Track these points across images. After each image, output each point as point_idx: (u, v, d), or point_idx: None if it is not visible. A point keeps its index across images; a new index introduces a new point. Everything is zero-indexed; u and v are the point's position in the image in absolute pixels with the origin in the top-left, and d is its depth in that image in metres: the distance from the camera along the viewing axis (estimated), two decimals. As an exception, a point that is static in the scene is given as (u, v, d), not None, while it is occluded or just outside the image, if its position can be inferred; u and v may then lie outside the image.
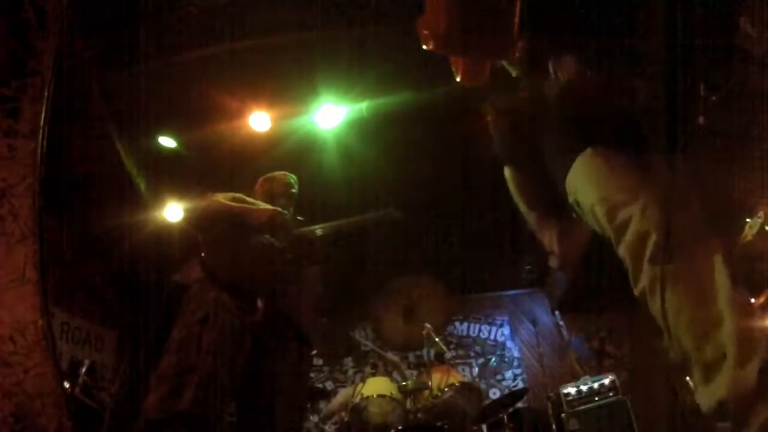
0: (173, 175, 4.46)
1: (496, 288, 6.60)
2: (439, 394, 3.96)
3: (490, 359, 6.22)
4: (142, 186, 4.53)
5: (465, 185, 4.73)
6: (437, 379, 4.11)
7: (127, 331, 5.35)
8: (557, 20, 1.27)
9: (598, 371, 5.01)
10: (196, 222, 2.58)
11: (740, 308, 0.90)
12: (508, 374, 6.17)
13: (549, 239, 1.45)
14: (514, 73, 1.33)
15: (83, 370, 3.84)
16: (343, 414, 4.20)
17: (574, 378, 4.57)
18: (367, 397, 3.96)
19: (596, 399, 4.04)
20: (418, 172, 4.64)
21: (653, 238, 1.01)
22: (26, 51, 1.02)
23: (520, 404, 4.30)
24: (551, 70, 1.30)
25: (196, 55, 3.54)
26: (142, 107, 3.75)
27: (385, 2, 3.26)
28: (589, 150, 1.20)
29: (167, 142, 4.29)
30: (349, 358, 6.34)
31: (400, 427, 3.51)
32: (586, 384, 4.16)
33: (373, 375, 4.61)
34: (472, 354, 6.33)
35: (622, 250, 1.09)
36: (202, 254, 2.47)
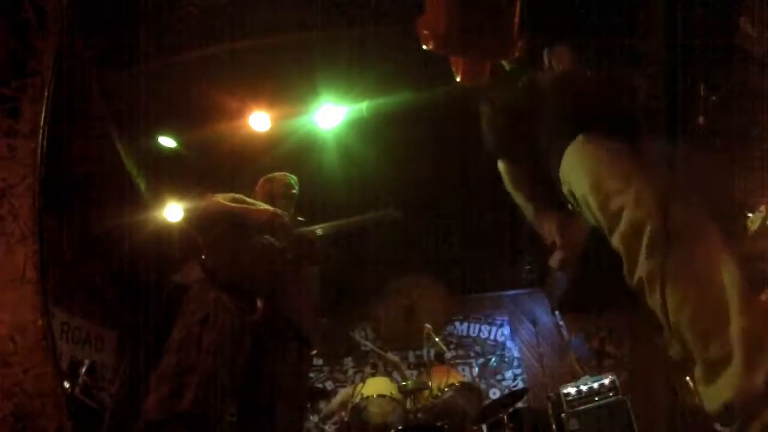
0: (173, 175, 4.46)
1: (496, 288, 6.60)
2: (439, 394, 3.96)
3: (490, 359, 6.22)
4: (142, 186, 4.53)
5: (465, 185, 4.73)
6: (437, 379, 4.11)
7: (127, 331, 5.35)
8: (557, 20, 1.27)
9: (598, 371, 5.01)
10: (196, 222, 2.58)
11: (751, 308, 0.87)
12: (508, 374, 6.17)
13: (549, 231, 1.42)
14: (507, 66, 1.32)
15: (83, 370, 3.84)
16: (343, 414, 4.20)
17: (574, 378, 4.57)
18: (367, 397, 3.96)
19: (596, 399, 4.04)
20: (418, 172, 4.64)
21: (648, 228, 0.98)
22: (26, 51, 1.02)
23: (520, 404, 4.30)
24: (546, 60, 1.28)
25: (196, 55, 3.54)
26: (142, 107, 3.75)
27: (385, 2, 3.26)
28: (580, 137, 1.17)
29: (167, 142, 4.29)
30: (349, 358, 6.34)
31: (400, 427, 3.51)
32: (586, 384, 4.16)
33: (373, 375, 4.61)
34: (472, 354, 6.33)
35: (616, 241, 1.06)
36: (202, 255, 2.47)
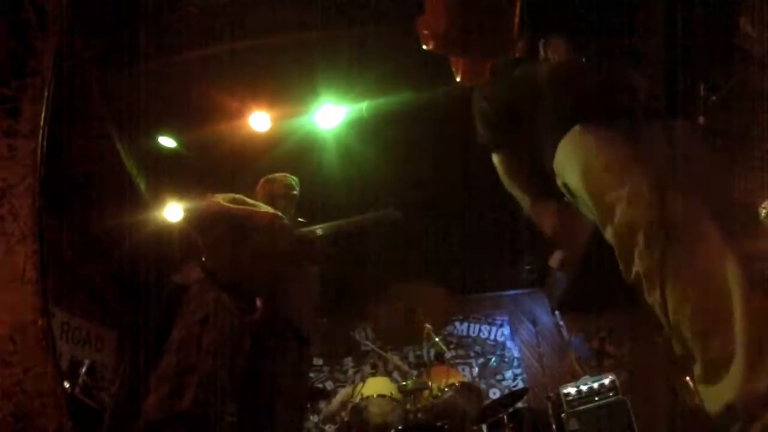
0: (173, 175, 4.46)
1: (496, 288, 6.60)
2: (439, 394, 3.96)
3: (490, 359, 6.22)
4: (142, 186, 4.53)
5: (465, 185, 4.72)
6: (437, 379, 4.11)
7: (127, 331, 5.35)
8: (557, 20, 1.27)
9: (598, 371, 5.01)
10: (196, 223, 2.57)
11: (753, 309, 0.85)
12: (508, 374, 6.17)
13: (546, 223, 1.41)
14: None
15: (83, 370, 3.84)
16: (343, 414, 4.20)
17: (574, 378, 4.57)
18: (367, 397, 3.96)
19: (596, 399, 4.04)
20: (418, 172, 4.64)
21: (645, 223, 0.97)
22: (26, 51, 1.02)
23: (520, 404, 4.30)
24: (541, 51, 1.27)
25: (196, 55, 3.54)
26: (142, 107, 3.75)
27: (385, 2, 3.26)
28: (576, 128, 1.15)
29: (167, 142, 4.29)
30: (349, 358, 6.34)
31: (400, 427, 3.50)
32: (586, 384, 4.15)
33: (373, 375, 4.62)
34: (472, 354, 6.33)
35: (610, 235, 1.05)
36: (202, 255, 2.47)
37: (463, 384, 4.12)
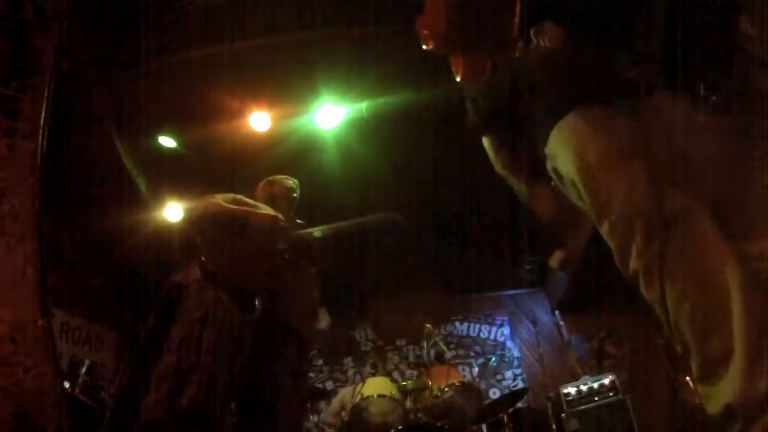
0: (173, 175, 4.46)
1: (496, 288, 6.60)
2: (439, 394, 3.96)
3: (490, 359, 6.22)
4: (142, 186, 4.53)
5: (465, 185, 4.72)
6: (437, 379, 4.11)
7: (127, 331, 5.35)
8: (556, 20, 1.26)
9: (598, 371, 5.01)
10: (195, 223, 2.57)
11: (753, 308, 0.83)
12: (508, 374, 6.17)
13: (543, 206, 1.37)
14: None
15: (83, 370, 3.84)
16: (343, 414, 4.21)
17: (574, 378, 4.57)
18: (367, 397, 3.96)
19: (596, 399, 4.04)
20: (419, 172, 4.64)
21: (642, 221, 0.95)
22: (26, 51, 1.02)
23: (520, 404, 4.30)
24: (533, 37, 1.24)
25: (196, 55, 3.54)
26: (142, 107, 3.75)
27: (385, 2, 3.26)
28: (570, 115, 1.12)
29: (167, 142, 4.29)
30: (349, 358, 6.34)
31: (400, 427, 3.51)
32: (586, 384, 4.15)
33: (373, 375, 4.62)
34: (472, 354, 6.33)
35: (606, 230, 1.02)
36: (201, 255, 2.47)
37: (463, 384, 4.13)
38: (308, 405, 4.91)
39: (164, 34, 3.42)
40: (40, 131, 1.00)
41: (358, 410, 3.93)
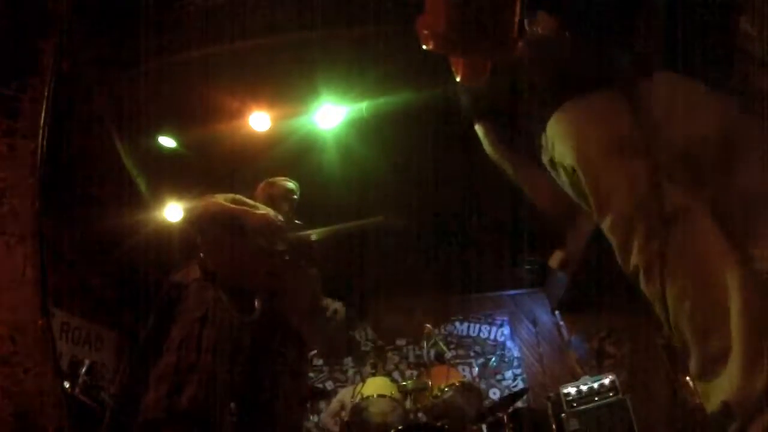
0: (173, 175, 4.46)
1: (496, 288, 6.61)
2: (439, 394, 3.96)
3: (490, 359, 6.22)
4: (142, 186, 4.53)
5: (465, 185, 4.73)
6: (437, 379, 4.11)
7: (127, 331, 5.35)
8: (556, 20, 1.25)
9: (598, 371, 5.01)
10: (195, 223, 2.57)
11: (751, 307, 0.83)
12: (508, 374, 6.17)
13: (540, 192, 1.35)
14: None
15: (83, 370, 3.84)
16: (343, 414, 4.21)
17: (574, 378, 4.57)
18: (367, 397, 3.96)
19: (596, 399, 4.04)
20: (419, 172, 4.64)
21: (643, 217, 0.94)
22: (26, 51, 1.02)
23: (520, 404, 4.30)
24: (527, 26, 1.22)
25: (196, 55, 3.54)
26: (142, 107, 3.76)
27: (385, 2, 3.26)
28: (566, 105, 1.10)
29: (167, 142, 4.29)
30: (349, 358, 6.34)
31: (400, 427, 3.51)
32: (586, 384, 4.16)
33: (373, 375, 4.62)
34: (472, 354, 6.33)
35: (607, 226, 1.01)
36: (201, 255, 2.47)
37: (463, 384, 4.12)
38: (308, 405, 4.91)
39: (164, 34, 3.42)
40: (40, 131, 1.00)
41: (358, 410, 3.93)
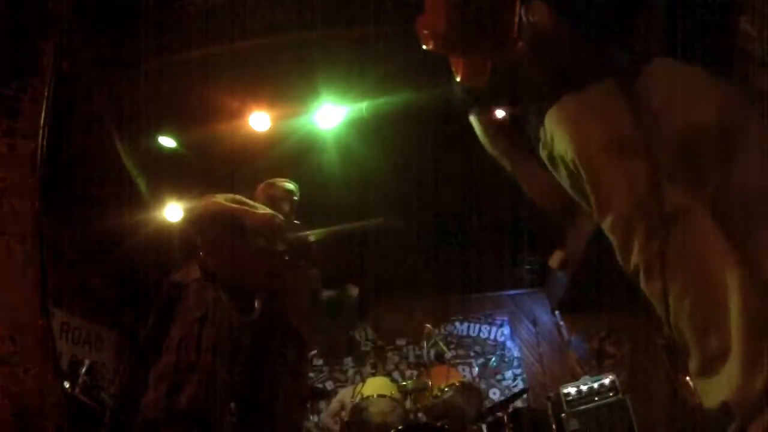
0: (173, 175, 4.46)
1: (496, 288, 6.60)
2: (439, 394, 3.96)
3: (490, 359, 6.22)
4: (142, 186, 4.53)
5: (465, 185, 4.73)
6: (437, 379, 4.11)
7: (127, 331, 5.35)
8: (551, 8, 1.23)
9: (598, 371, 5.01)
10: (195, 222, 2.57)
11: (751, 307, 0.83)
12: (508, 374, 6.17)
13: (536, 186, 1.33)
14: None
15: (83, 370, 3.84)
16: (343, 414, 4.21)
17: (574, 378, 4.57)
18: (367, 397, 3.96)
19: (596, 399, 4.04)
20: (419, 172, 4.64)
21: (644, 216, 0.94)
22: (26, 51, 1.02)
23: (520, 404, 4.30)
24: (523, 17, 1.20)
25: (196, 55, 3.54)
26: (142, 107, 3.76)
27: (385, 2, 3.26)
28: (564, 99, 1.08)
29: (167, 142, 4.29)
30: (349, 358, 6.34)
31: (400, 427, 3.51)
32: (586, 384, 4.16)
33: (373, 375, 4.62)
34: (472, 354, 6.33)
35: (607, 225, 1.00)
36: (201, 255, 2.47)
37: (463, 384, 4.12)
38: (308, 405, 4.91)
39: (164, 34, 3.42)
40: (40, 131, 1.00)
41: (358, 410, 3.93)
